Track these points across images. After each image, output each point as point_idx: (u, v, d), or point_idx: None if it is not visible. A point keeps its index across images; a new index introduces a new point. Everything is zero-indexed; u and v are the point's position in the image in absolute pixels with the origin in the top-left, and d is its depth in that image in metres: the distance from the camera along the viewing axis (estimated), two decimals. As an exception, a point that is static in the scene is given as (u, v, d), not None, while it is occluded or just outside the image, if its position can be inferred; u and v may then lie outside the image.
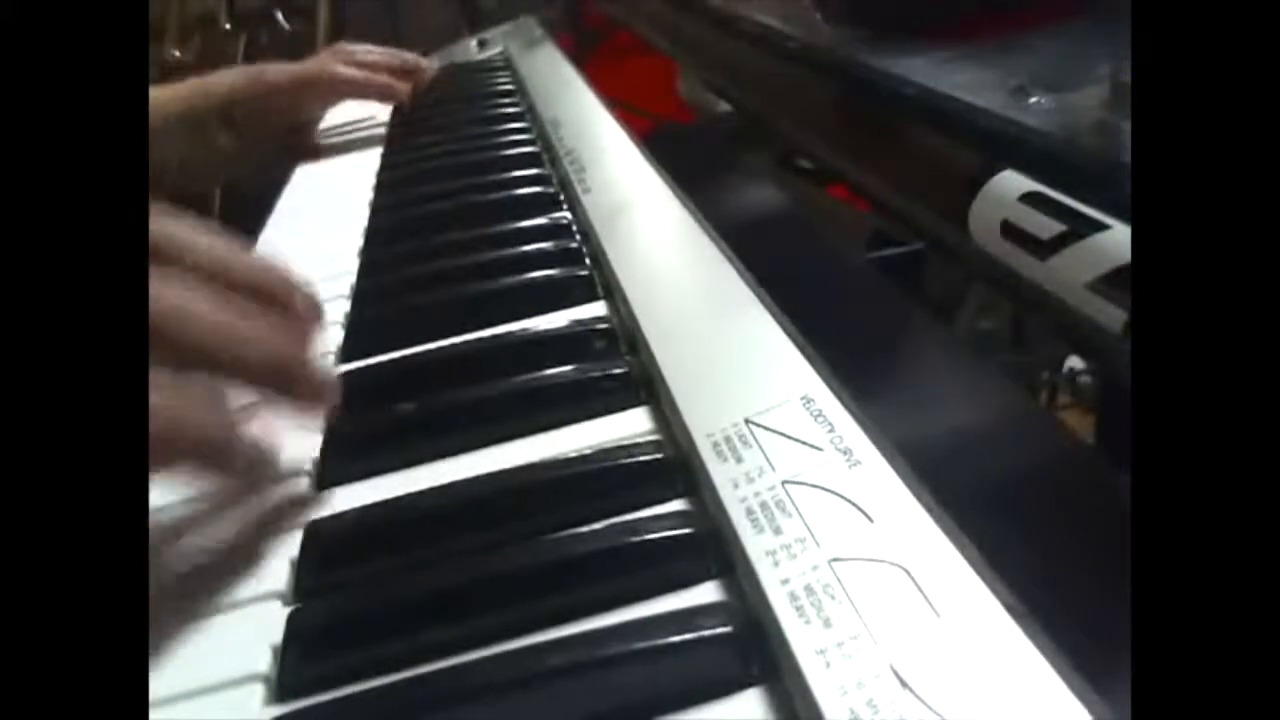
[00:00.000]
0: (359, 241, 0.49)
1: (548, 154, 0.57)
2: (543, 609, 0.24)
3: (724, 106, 0.74)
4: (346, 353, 0.39)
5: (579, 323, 0.37)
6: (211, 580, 0.26)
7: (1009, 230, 0.31)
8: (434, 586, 0.25)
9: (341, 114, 0.76)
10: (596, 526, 0.26)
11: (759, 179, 0.62)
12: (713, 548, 0.24)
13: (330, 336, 0.39)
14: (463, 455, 0.31)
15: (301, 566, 0.27)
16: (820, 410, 0.27)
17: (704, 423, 0.27)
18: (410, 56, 0.78)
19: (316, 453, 0.31)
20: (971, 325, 0.52)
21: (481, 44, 0.97)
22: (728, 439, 0.26)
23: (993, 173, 0.32)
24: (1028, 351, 0.54)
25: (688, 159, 0.54)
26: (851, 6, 0.53)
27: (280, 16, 1.77)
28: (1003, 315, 0.52)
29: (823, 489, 0.24)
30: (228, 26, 1.72)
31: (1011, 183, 0.31)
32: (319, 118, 0.75)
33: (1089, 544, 0.27)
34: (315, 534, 0.27)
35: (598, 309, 0.38)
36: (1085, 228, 0.28)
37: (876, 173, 0.43)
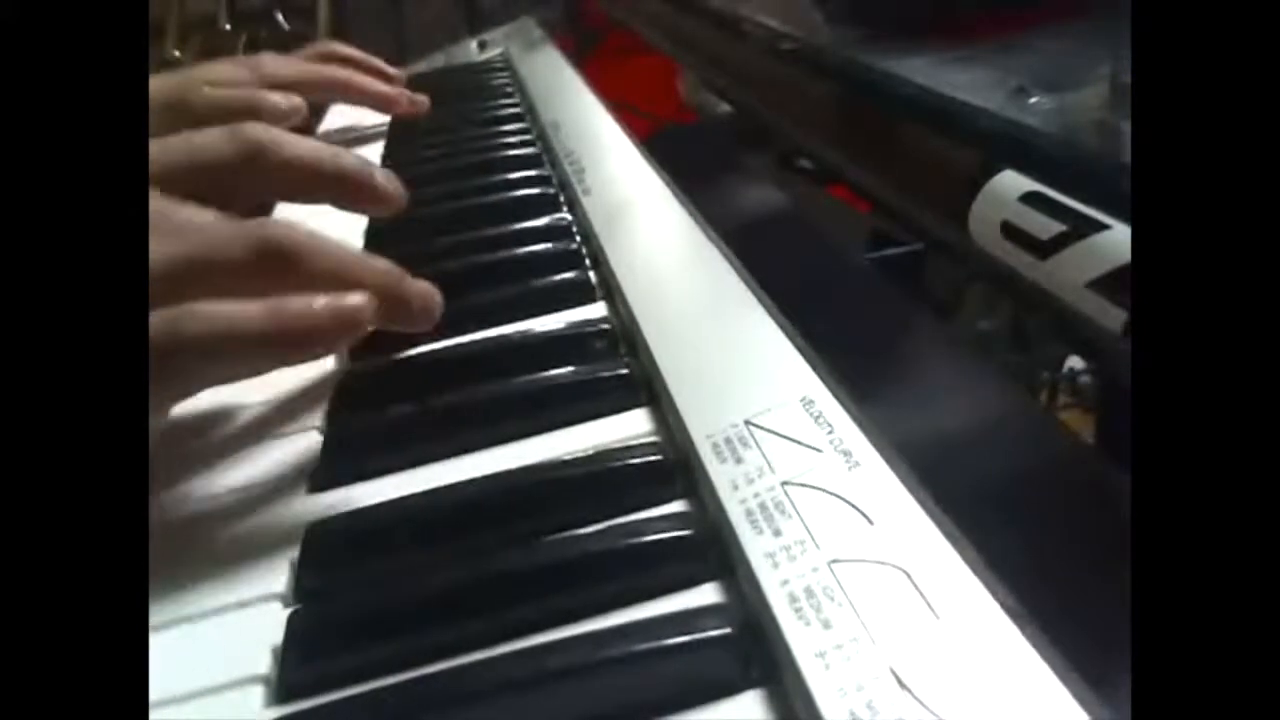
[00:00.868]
0: (358, 242, 0.49)
1: (548, 155, 0.57)
2: (542, 610, 0.24)
3: (724, 107, 0.74)
4: (346, 353, 0.39)
5: (579, 324, 0.37)
6: (211, 581, 0.26)
7: (1009, 230, 0.31)
8: (434, 588, 0.25)
9: (342, 114, 0.76)
10: (596, 528, 0.26)
11: (759, 180, 0.62)
12: (712, 549, 0.24)
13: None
14: (463, 456, 0.31)
15: (302, 568, 0.26)
16: (820, 411, 0.27)
17: (704, 424, 0.27)
18: (391, 69, 0.72)
19: (317, 453, 0.31)
20: (971, 325, 0.52)
21: (482, 45, 0.97)
22: (727, 440, 0.26)
23: (993, 173, 0.32)
24: (1028, 351, 0.54)
25: (688, 160, 0.53)
26: (851, 6, 0.53)
27: (280, 16, 1.78)
28: (1003, 315, 0.52)
29: (822, 490, 0.23)
30: (228, 26, 1.73)
31: (1011, 183, 0.31)
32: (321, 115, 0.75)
33: (1089, 545, 0.27)
34: (315, 535, 0.27)
35: (597, 310, 0.38)
36: (1085, 228, 0.28)
37: (876, 173, 0.43)
